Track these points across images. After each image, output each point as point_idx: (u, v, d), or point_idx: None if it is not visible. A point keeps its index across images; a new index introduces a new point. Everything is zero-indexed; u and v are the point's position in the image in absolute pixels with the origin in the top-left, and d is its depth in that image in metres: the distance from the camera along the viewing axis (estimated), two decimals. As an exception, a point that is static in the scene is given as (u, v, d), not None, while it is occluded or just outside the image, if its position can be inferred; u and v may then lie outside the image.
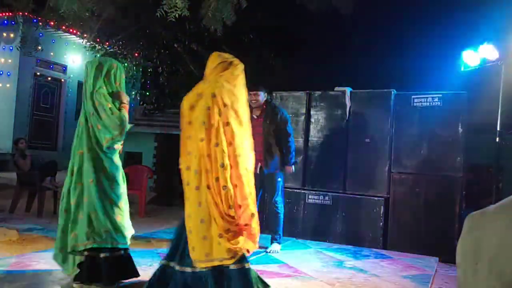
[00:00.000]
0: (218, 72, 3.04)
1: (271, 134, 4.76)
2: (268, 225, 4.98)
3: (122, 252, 3.20)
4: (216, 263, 2.75)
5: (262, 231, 4.95)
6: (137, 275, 3.27)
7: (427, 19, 7.90)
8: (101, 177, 3.09)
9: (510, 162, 5.51)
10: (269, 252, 4.70)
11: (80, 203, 3.08)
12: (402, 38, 7.90)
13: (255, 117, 4.87)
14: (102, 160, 3.11)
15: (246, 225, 2.86)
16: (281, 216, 4.87)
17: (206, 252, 2.75)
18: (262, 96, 4.83)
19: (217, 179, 2.77)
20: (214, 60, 3.10)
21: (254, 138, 4.84)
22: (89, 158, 3.09)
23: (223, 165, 2.78)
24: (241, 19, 6.23)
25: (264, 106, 4.86)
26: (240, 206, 2.83)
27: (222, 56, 3.12)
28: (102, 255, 3.06)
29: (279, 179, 4.82)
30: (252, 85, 4.89)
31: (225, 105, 2.88)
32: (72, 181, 3.16)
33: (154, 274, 3.00)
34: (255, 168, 4.84)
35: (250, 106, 4.91)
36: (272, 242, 4.83)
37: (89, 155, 3.10)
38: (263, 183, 4.87)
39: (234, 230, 2.79)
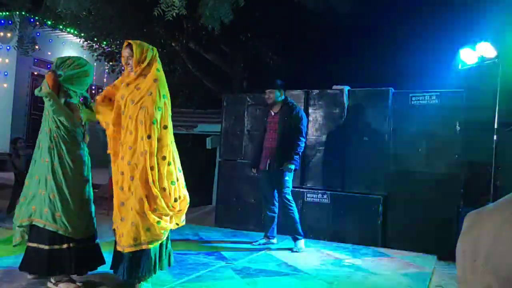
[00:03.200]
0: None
1: (285, 132, 4.75)
2: (286, 226, 4.98)
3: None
4: (143, 247, 3.04)
5: (280, 231, 5.02)
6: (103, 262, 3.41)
7: (425, 17, 7.90)
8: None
9: (508, 159, 5.52)
10: (295, 251, 4.71)
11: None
12: (399, 37, 7.90)
13: (272, 113, 4.95)
14: None
15: (179, 211, 3.20)
16: (296, 214, 4.84)
17: (134, 237, 3.01)
18: (276, 94, 4.86)
19: (152, 168, 3.04)
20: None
21: (268, 135, 4.90)
22: None
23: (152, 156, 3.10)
24: (238, 18, 6.22)
25: (282, 104, 4.87)
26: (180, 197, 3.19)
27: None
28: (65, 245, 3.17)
29: (286, 178, 4.80)
30: (268, 83, 4.94)
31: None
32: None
33: None
34: (264, 165, 4.88)
35: (267, 103, 4.97)
36: (295, 241, 4.82)
37: None
38: (272, 181, 4.86)
39: (167, 216, 3.13)
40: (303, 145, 4.80)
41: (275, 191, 4.91)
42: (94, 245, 3.37)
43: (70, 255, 3.15)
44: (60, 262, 3.13)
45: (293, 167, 4.77)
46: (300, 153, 4.81)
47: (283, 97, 4.91)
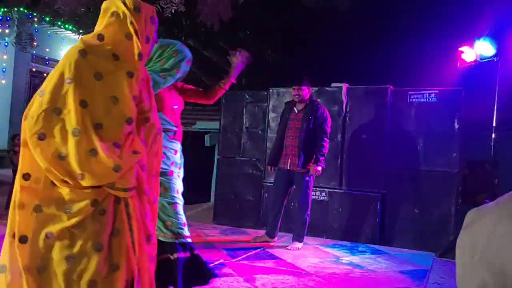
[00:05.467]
0: None
1: (309, 131, 4.66)
2: (292, 225, 4.96)
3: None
4: None
5: (283, 228, 5.00)
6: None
7: (424, 15, 7.90)
8: None
9: (505, 157, 5.54)
10: (290, 248, 4.69)
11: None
12: (398, 34, 7.89)
13: (296, 111, 4.82)
14: None
15: None
16: (308, 219, 4.77)
17: None
18: (306, 91, 4.77)
19: None
20: None
21: (290, 132, 4.81)
22: None
23: None
24: (238, 15, 6.21)
25: (307, 102, 4.81)
26: None
27: None
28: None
29: (307, 179, 4.74)
30: (296, 79, 4.83)
31: None
32: None
33: None
34: (285, 164, 4.82)
35: (293, 100, 4.89)
36: (293, 241, 4.80)
37: None
38: (292, 180, 4.80)
39: None
40: (327, 146, 4.72)
41: (289, 191, 4.86)
42: None
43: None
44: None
45: (320, 169, 4.68)
46: (325, 155, 4.72)
47: (310, 94, 4.84)
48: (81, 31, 9.14)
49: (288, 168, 4.76)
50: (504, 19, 5.11)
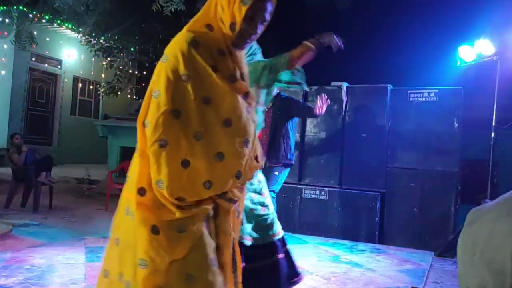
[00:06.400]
0: None
1: (277, 125, 4.67)
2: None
3: None
4: None
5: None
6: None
7: (423, 14, 7.90)
8: None
9: (505, 157, 5.54)
10: None
11: None
12: (398, 34, 7.89)
13: (266, 109, 4.83)
14: None
15: None
16: None
17: None
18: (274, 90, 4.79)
19: None
20: None
21: (262, 131, 4.81)
22: None
23: None
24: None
25: (275, 99, 4.82)
26: None
27: None
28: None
29: (276, 173, 4.76)
30: None
31: None
32: None
33: None
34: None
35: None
36: None
37: None
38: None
39: None
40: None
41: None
42: None
43: None
44: None
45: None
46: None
47: (277, 91, 4.85)
48: (80, 29, 9.15)
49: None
50: (503, 18, 5.10)
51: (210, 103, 1.57)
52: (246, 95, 1.68)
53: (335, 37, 2.72)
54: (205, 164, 1.53)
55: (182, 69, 1.56)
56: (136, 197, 1.59)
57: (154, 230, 1.55)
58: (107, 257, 1.72)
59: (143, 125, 1.62)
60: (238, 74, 1.69)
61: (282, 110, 4.72)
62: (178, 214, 1.54)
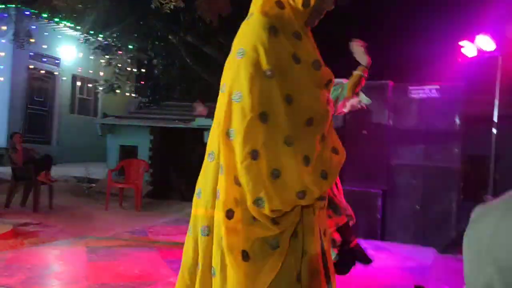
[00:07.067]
0: None
1: None
2: None
3: None
4: None
5: None
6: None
7: (424, 10, 7.86)
8: None
9: (507, 152, 5.51)
10: None
11: None
12: (399, 29, 7.86)
13: None
14: None
15: None
16: None
17: None
18: None
19: None
20: None
21: None
22: None
23: None
24: (236, 9, 6.17)
25: None
26: None
27: None
28: None
29: None
30: None
31: None
32: None
33: None
34: None
35: None
36: None
37: None
38: None
39: None
40: None
41: None
42: None
43: None
44: None
45: None
46: None
47: None
48: (78, 27, 9.11)
49: None
50: (504, 13, 5.07)
51: (292, 102, 1.38)
52: (329, 82, 1.49)
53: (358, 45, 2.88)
54: (297, 172, 1.38)
55: (264, 64, 1.36)
56: (224, 221, 1.41)
57: (245, 256, 1.38)
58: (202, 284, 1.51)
59: (227, 135, 1.41)
60: (321, 58, 1.47)
61: None
62: (274, 230, 1.37)
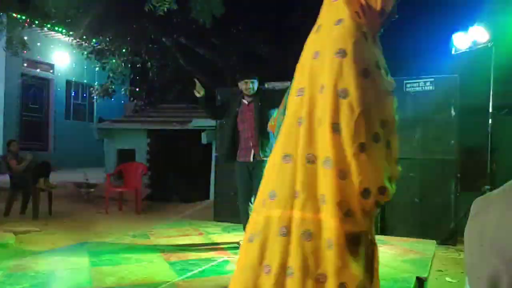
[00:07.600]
0: None
1: (262, 116, 4.51)
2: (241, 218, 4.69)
3: None
4: None
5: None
6: None
7: (417, 2, 7.88)
8: None
9: (503, 143, 5.56)
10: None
11: None
12: (391, 23, 7.87)
13: (246, 103, 4.74)
14: None
15: None
16: None
17: None
18: (256, 84, 4.74)
19: None
20: None
21: (247, 126, 4.73)
22: None
23: None
24: (229, 10, 6.17)
25: (256, 93, 4.77)
26: None
27: None
28: None
29: None
30: (246, 74, 4.80)
31: None
32: None
33: None
34: (247, 156, 4.70)
35: (241, 93, 4.81)
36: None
37: None
38: (253, 173, 4.48)
39: None
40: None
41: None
42: None
43: None
44: None
45: None
46: None
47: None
48: (71, 33, 9.08)
49: (251, 160, 4.60)
50: (497, 5, 5.10)
51: (378, 104, 1.53)
52: (394, 90, 1.62)
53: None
54: (382, 167, 1.53)
55: (366, 64, 1.52)
56: (339, 222, 1.48)
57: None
58: None
59: (332, 128, 1.48)
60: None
61: (263, 101, 4.65)
62: (366, 224, 1.51)
